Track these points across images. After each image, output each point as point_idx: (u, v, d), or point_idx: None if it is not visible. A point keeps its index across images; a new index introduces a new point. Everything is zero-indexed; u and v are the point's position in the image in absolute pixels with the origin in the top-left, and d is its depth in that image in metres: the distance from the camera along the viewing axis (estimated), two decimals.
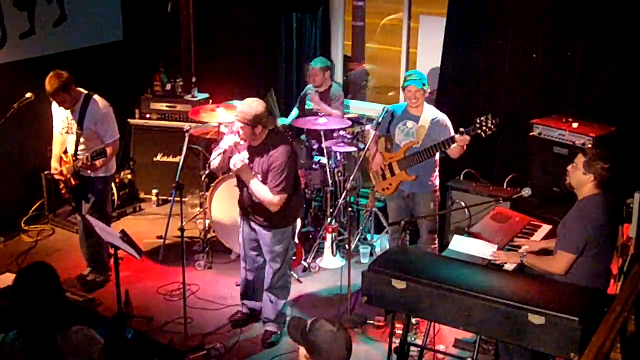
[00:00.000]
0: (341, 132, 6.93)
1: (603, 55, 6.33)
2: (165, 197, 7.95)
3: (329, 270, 6.65)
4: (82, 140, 5.87)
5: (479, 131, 5.49)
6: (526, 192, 5.20)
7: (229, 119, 6.46)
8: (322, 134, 6.82)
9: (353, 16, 11.31)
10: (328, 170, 6.84)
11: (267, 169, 5.07)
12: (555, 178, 6.12)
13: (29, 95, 6.09)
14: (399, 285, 4.17)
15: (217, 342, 5.51)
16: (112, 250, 4.94)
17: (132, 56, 8.09)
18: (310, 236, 6.94)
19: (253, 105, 4.99)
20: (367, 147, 6.14)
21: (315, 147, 6.97)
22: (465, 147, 5.65)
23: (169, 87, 8.08)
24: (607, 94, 6.36)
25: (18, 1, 6.92)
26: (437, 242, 6.16)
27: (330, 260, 6.71)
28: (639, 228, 4.95)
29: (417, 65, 7.69)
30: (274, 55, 8.23)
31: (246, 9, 8.23)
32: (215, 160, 5.23)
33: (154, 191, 8.00)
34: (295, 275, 6.47)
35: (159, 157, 7.99)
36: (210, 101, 7.88)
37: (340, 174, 6.89)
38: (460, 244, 5.03)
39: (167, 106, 7.99)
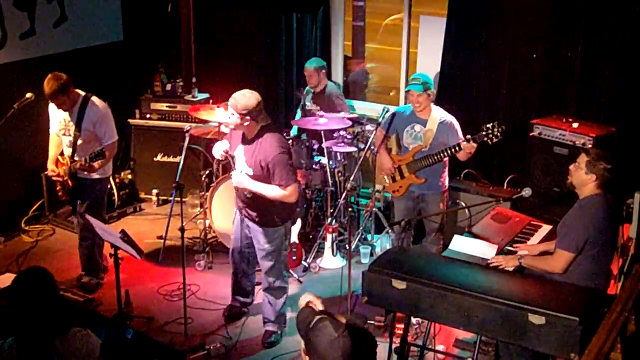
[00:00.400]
0: (341, 132, 6.93)
1: (603, 55, 6.33)
2: (165, 197, 7.95)
3: (329, 270, 6.65)
4: (79, 142, 5.84)
5: (485, 138, 5.50)
6: (526, 192, 5.20)
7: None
8: (322, 134, 6.81)
9: (353, 16, 11.31)
10: (328, 170, 6.84)
11: (260, 166, 5.07)
12: (555, 178, 6.12)
13: (29, 95, 6.09)
14: (399, 285, 4.17)
15: (217, 342, 5.50)
16: (112, 250, 4.93)
17: (132, 56, 8.09)
18: (311, 236, 6.94)
19: (247, 96, 5.03)
20: (367, 146, 6.15)
21: (316, 147, 6.97)
22: (472, 152, 5.66)
23: (169, 87, 8.09)
24: (607, 94, 6.36)
25: (18, 1, 6.92)
26: (442, 242, 6.16)
27: (331, 260, 6.71)
28: (639, 228, 4.95)
29: (417, 65, 7.69)
30: (274, 55, 8.23)
31: (246, 9, 8.23)
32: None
33: (154, 191, 8.00)
34: (295, 275, 6.48)
35: (159, 157, 8.00)
36: (211, 101, 7.88)
37: (340, 174, 6.90)
38: (460, 244, 5.02)
39: (167, 106, 8.00)
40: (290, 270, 6.48)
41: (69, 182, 5.92)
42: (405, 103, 6.93)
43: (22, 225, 7.27)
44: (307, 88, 7.53)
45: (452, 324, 4.19)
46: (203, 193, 7.05)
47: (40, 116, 6.36)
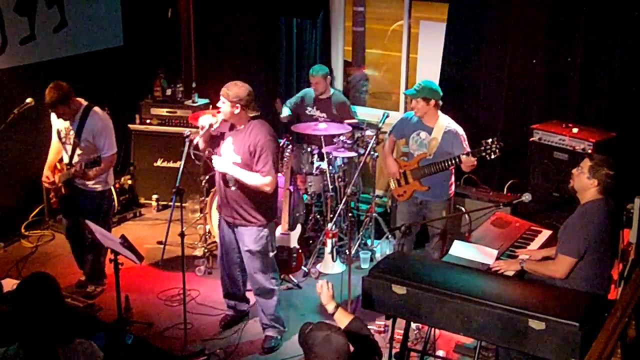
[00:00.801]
0: (341, 137, 6.94)
1: (602, 60, 6.34)
2: (165, 202, 7.95)
3: (329, 276, 6.63)
4: (78, 151, 5.81)
5: (484, 153, 5.49)
6: (526, 197, 5.20)
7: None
8: (322, 139, 6.81)
9: (353, 21, 11.33)
10: (328, 175, 6.84)
11: (248, 151, 5.15)
12: (555, 183, 6.12)
13: (29, 100, 6.09)
14: (399, 290, 4.17)
15: (217, 347, 5.50)
16: (112, 256, 4.93)
17: (132, 61, 8.10)
18: (311, 241, 6.94)
19: (238, 85, 5.18)
20: (367, 152, 6.15)
21: (316, 152, 6.97)
22: (474, 166, 5.65)
23: (169, 92, 8.09)
24: (606, 99, 6.37)
25: (18, 6, 6.92)
26: (445, 247, 6.15)
27: (331, 266, 6.71)
28: (639, 233, 4.95)
29: (417, 70, 7.70)
30: (274, 60, 8.24)
31: (246, 15, 8.23)
32: (199, 140, 5.35)
33: (154, 196, 8.00)
34: (295, 280, 6.48)
35: (159, 162, 8.00)
36: (210, 106, 7.87)
37: (340, 179, 6.89)
38: (460, 250, 5.02)
39: (167, 111, 8.00)
40: (290, 276, 6.50)
41: (62, 189, 5.90)
42: (406, 109, 6.94)
43: (22, 230, 7.27)
44: (306, 92, 7.53)
45: (452, 329, 4.18)
46: (203, 198, 7.05)
47: (40, 121, 6.37)
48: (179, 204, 5.33)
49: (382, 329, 5.69)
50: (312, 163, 6.92)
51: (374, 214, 6.96)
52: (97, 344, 3.59)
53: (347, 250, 6.29)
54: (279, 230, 6.41)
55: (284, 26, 8.07)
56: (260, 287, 5.50)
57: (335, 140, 6.96)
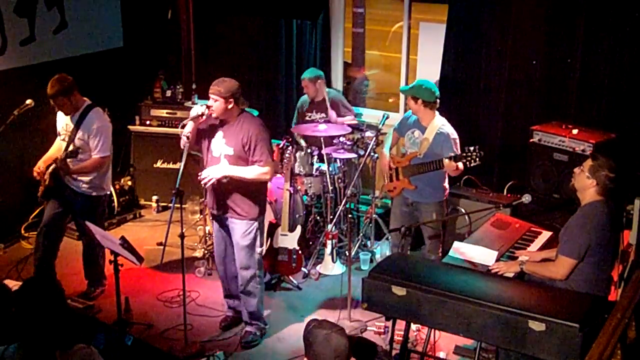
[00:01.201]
0: (341, 139, 6.94)
1: (602, 61, 6.34)
2: (165, 204, 7.96)
3: (329, 277, 6.64)
4: (71, 147, 5.79)
5: (465, 160, 5.46)
6: (526, 198, 5.20)
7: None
8: (322, 140, 6.82)
9: (353, 23, 11.34)
10: (328, 176, 6.84)
11: (241, 143, 5.24)
12: (555, 184, 6.12)
13: (29, 101, 6.09)
14: (399, 291, 4.17)
15: (216, 348, 5.49)
16: (112, 257, 4.93)
17: (132, 63, 8.10)
18: (310, 242, 6.94)
19: (226, 80, 5.32)
20: (367, 153, 6.16)
21: (315, 153, 6.97)
22: (458, 171, 5.62)
23: (169, 93, 8.09)
24: (606, 100, 6.37)
25: (18, 8, 6.93)
26: (441, 249, 6.14)
27: (330, 267, 6.71)
28: (639, 234, 4.95)
29: (416, 71, 7.70)
30: (274, 62, 8.24)
31: (246, 16, 8.24)
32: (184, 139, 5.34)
33: (154, 197, 8.00)
34: (295, 281, 6.48)
35: (158, 164, 8.00)
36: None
37: (340, 181, 6.89)
38: (460, 251, 5.02)
39: (167, 112, 8.00)
40: (290, 277, 6.49)
41: (48, 181, 5.85)
42: (405, 110, 6.93)
43: (22, 231, 7.27)
44: (303, 99, 7.54)
45: (452, 331, 4.18)
46: (203, 200, 7.04)
47: (40, 123, 6.37)
48: (178, 205, 5.34)
49: (382, 330, 5.68)
50: (312, 164, 6.93)
51: (374, 215, 6.95)
52: (97, 346, 3.59)
53: (347, 252, 6.29)
54: (279, 232, 6.42)
55: (283, 27, 8.08)
56: (244, 284, 5.55)
57: (335, 141, 6.97)
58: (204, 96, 8.04)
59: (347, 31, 8.79)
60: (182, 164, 5.16)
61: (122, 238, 4.83)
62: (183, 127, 5.36)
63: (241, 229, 5.41)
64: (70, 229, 7.02)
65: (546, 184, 6.19)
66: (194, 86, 8.16)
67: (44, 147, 6.17)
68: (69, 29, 7.46)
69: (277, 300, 6.29)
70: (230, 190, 5.33)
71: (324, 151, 6.80)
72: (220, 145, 5.32)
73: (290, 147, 6.59)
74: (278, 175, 6.75)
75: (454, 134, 5.78)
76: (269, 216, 6.31)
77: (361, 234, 7.07)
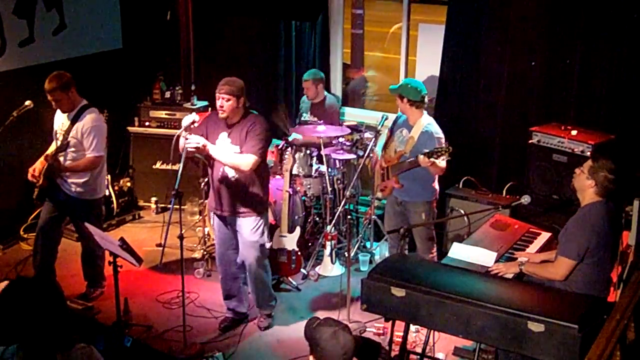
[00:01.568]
0: (340, 140, 6.94)
1: (602, 62, 6.34)
2: (164, 205, 7.95)
3: (328, 278, 6.64)
4: (64, 142, 5.79)
5: (435, 156, 5.44)
6: (525, 199, 5.20)
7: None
8: (321, 141, 6.81)
9: (352, 24, 11.35)
10: (327, 177, 6.84)
11: (246, 138, 5.31)
12: (554, 185, 6.12)
13: (28, 103, 6.08)
14: (398, 292, 4.16)
15: (216, 349, 5.49)
16: (111, 258, 4.92)
17: (131, 64, 8.10)
18: (310, 244, 6.94)
19: (233, 79, 5.37)
20: (366, 154, 6.16)
21: (315, 154, 6.98)
22: (437, 168, 5.61)
23: (168, 94, 8.10)
24: (606, 102, 6.37)
25: (17, 9, 6.93)
26: (434, 250, 6.15)
27: (330, 268, 6.71)
28: (638, 235, 4.95)
29: (416, 73, 7.70)
30: (273, 63, 8.24)
31: (245, 17, 8.24)
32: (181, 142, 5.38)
33: (153, 199, 8.00)
34: (294, 282, 6.48)
35: (157, 165, 8.00)
36: (210, 109, 7.88)
37: (339, 182, 6.90)
38: (459, 252, 5.02)
39: (166, 114, 8.00)
40: (290, 278, 6.49)
41: (42, 180, 5.83)
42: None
43: (21, 232, 7.27)
44: (302, 100, 7.56)
45: (452, 332, 4.18)
46: (202, 201, 7.05)
47: (39, 124, 6.36)
48: (177, 206, 5.34)
49: (381, 332, 5.69)
50: (311, 165, 6.93)
51: (373, 216, 6.95)
52: (96, 347, 3.59)
53: (346, 253, 6.29)
54: (278, 233, 6.43)
55: (283, 28, 8.08)
56: (255, 275, 5.65)
57: (334, 142, 6.97)
58: (203, 97, 8.11)
59: (346, 32, 8.79)
60: (181, 165, 5.16)
61: (121, 239, 4.83)
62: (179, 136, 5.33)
63: (249, 225, 5.49)
64: (69, 230, 7.03)
65: (545, 185, 6.19)
66: (193, 87, 8.16)
67: (43, 149, 6.16)
68: (68, 30, 7.46)
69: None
70: (237, 187, 5.41)
71: (323, 152, 6.80)
72: (226, 144, 5.37)
73: (289, 148, 6.59)
74: (277, 176, 6.76)
75: (438, 132, 5.80)
76: (269, 217, 6.31)
77: (360, 235, 7.07)
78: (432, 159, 5.45)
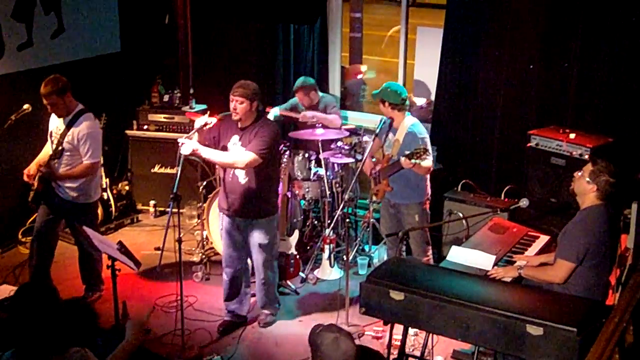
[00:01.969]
0: (338, 143, 6.94)
1: (600, 66, 6.35)
2: (162, 208, 7.95)
3: (327, 281, 6.63)
4: (58, 148, 5.79)
5: (414, 157, 5.49)
6: (524, 202, 5.20)
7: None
8: (320, 144, 6.81)
9: (350, 27, 11.36)
10: (325, 181, 6.84)
11: (253, 139, 5.37)
12: (552, 189, 6.12)
13: (26, 106, 6.08)
14: (397, 296, 4.16)
15: (214, 353, 5.49)
16: (109, 262, 4.92)
17: (129, 67, 8.10)
18: (308, 247, 6.93)
19: (247, 82, 5.44)
20: (364, 157, 6.16)
21: (313, 158, 6.97)
22: (423, 167, 5.64)
23: (166, 98, 8.09)
24: (604, 105, 6.38)
25: (16, 12, 6.92)
26: (430, 253, 6.16)
27: (328, 271, 6.70)
28: (636, 238, 4.95)
29: (414, 76, 7.71)
30: (271, 66, 8.24)
31: (244, 21, 8.24)
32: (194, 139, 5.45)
33: (151, 202, 8.00)
34: (292, 286, 6.47)
35: (156, 169, 7.99)
36: (208, 112, 7.87)
37: (337, 185, 6.89)
38: (458, 255, 5.02)
39: (164, 117, 8.00)
40: (288, 282, 6.49)
41: (36, 184, 5.84)
42: None
43: (19, 236, 7.25)
44: (297, 102, 7.53)
45: (450, 335, 4.18)
46: (200, 204, 7.04)
47: (37, 127, 6.35)
48: (176, 210, 5.33)
49: (379, 335, 5.68)
50: (310, 169, 6.92)
51: (372, 220, 6.95)
52: (96, 351, 3.59)
53: (344, 256, 6.29)
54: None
55: (281, 32, 8.08)
56: (265, 277, 5.74)
57: (332, 146, 6.97)
58: (202, 100, 8.11)
59: (344, 36, 8.80)
60: (180, 168, 5.16)
61: (120, 243, 4.83)
62: (189, 138, 5.34)
63: (259, 227, 5.58)
64: (67, 234, 7.02)
65: (543, 188, 6.19)
66: (191, 91, 8.15)
67: (41, 152, 6.16)
68: (66, 33, 7.46)
69: None
70: (246, 192, 5.47)
71: (321, 156, 6.80)
72: (236, 148, 5.42)
73: (288, 152, 6.58)
74: None
75: (421, 133, 5.85)
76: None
77: (359, 239, 7.06)
78: (412, 161, 5.49)
